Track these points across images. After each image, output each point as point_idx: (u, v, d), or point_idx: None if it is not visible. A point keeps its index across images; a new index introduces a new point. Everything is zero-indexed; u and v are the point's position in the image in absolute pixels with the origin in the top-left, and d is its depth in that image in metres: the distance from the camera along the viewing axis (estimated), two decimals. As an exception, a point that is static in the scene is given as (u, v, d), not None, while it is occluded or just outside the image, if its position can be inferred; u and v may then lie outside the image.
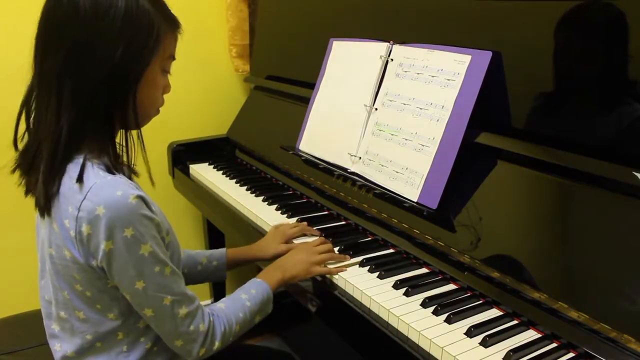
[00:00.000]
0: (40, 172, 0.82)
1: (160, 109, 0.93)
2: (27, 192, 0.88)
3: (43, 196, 0.82)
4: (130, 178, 0.89)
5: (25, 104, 0.85)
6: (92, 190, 0.78)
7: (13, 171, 0.87)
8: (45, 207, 0.83)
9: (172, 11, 0.89)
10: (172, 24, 0.87)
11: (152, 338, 0.91)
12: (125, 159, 0.89)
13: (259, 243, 1.23)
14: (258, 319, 1.00)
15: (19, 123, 0.86)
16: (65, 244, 0.82)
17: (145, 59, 0.82)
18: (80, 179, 0.79)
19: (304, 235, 1.25)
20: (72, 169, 0.81)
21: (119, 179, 0.81)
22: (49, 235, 0.85)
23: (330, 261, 1.12)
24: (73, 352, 0.89)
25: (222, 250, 1.21)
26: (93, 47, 0.78)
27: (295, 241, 1.23)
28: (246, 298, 0.98)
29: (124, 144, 0.88)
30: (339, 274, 1.08)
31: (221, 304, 0.96)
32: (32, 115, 0.84)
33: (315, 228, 1.27)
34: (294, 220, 1.34)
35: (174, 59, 0.90)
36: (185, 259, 1.16)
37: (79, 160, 0.81)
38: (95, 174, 0.80)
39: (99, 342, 0.88)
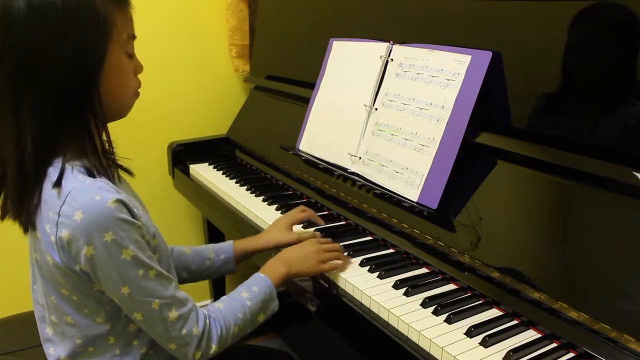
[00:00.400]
0: (9, 196, 0.80)
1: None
2: (2, 216, 0.84)
3: (24, 215, 0.80)
4: (117, 178, 0.87)
5: None
6: (71, 195, 0.77)
7: None
8: (28, 223, 0.81)
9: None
10: (119, 3, 0.82)
11: (147, 342, 0.90)
12: (109, 155, 0.86)
13: (265, 232, 1.22)
14: (262, 318, 0.97)
15: None
16: (47, 249, 0.80)
17: (100, 48, 0.78)
18: (58, 184, 0.78)
19: (311, 223, 1.26)
20: (53, 173, 0.79)
21: (98, 182, 0.79)
22: (33, 241, 0.85)
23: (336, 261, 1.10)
24: (66, 356, 0.88)
25: (228, 243, 1.19)
26: (41, 52, 0.75)
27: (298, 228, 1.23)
28: (247, 297, 0.95)
29: (105, 140, 0.85)
30: (340, 274, 1.08)
31: (220, 303, 0.94)
32: None
33: (315, 228, 1.27)
34: (294, 220, 1.33)
35: (134, 38, 0.86)
36: (192, 255, 1.15)
37: (59, 164, 0.79)
38: (74, 178, 0.78)
39: (90, 347, 0.87)
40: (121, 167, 0.89)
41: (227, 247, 1.18)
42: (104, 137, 0.85)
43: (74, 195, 0.77)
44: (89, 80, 0.78)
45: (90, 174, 0.80)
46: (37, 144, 0.78)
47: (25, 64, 0.75)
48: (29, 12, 0.74)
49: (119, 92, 0.84)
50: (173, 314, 0.84)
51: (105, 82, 0.80)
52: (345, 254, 1.15)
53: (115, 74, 0.82)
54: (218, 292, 2.08)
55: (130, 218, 0.79)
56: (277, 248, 1.17)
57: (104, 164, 0.83)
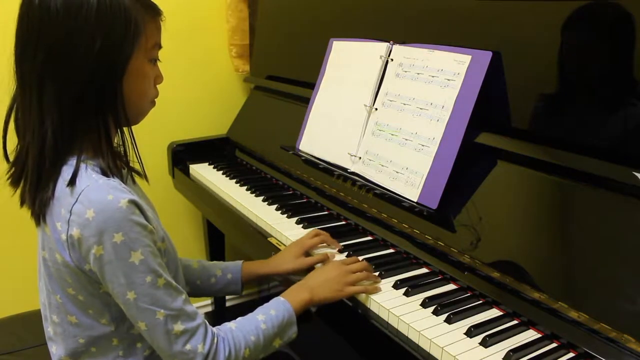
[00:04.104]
0: (28, 181, 0.81)
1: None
2: (22, 203, 0.86)
3: (37, 204, 0.81)
4: (130, 180, 0.88)
5: (10, 113, 0.84)
6: (84, 193, 0.77)
7: (10, 183, 0.86)
8: (40, 214, 0.81)
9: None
10: (152, 12, 0.85)
11: (150, 345, 0.89)
12: (124, 158, 0.88)
13: (276, 257, 1.16)
14: (278, 343, 0.92)
15: (6, 133, 0.85)
16: (57, 247, 0.80)
17: (126, 51, 0.80)
18: (72, 182, 0.78)
19: (325, 245, 1.18)
20: (67, 171, 0.79)
21: (112, 182, 0.79)
22: (42, 237, 0.85)
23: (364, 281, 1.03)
24: (67, 355, 0.88)
25: (237, 263, 1.16)
26: (70, 47, 0.77)
27: (317, 251, 1.17)
28: (262, 319, 0.90)
29: (120, 143, 0.87)
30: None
31: (232, 323, 0.90)
32: (19, 124, 0.83)
33: (315, 228, 1.27)
34: (293, 220, 1.33)
35: (160, 47, 0.88)
36: (199, 269, 1.13)
37: (73, 162, 0.80)
38: (88, 176, 0.79)
39: (93, 347, 0.87)
40: (135, 170, 0.90)
41: (235, 267, 1.15)
42: (117, 141, 0.86)
43: (86, 194, 0.77)
44: (112, 79, 0.80)
45: (104, 174, 0.81)
46: (57, 135, 0.79)
47: (53, 56, 0.77)
48: (65, 8, 0.76)
49: (137, 97, 0.85)
50: (178, 327, 0.81)
51: (125, 85, 0.81)
52: (345, 253, 1.15)
53: (136, 79, 0.83)
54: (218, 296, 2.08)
55: (142, 221, 0.79)
56: (286, 275, 1.13)
57: (118, 164, 0.84)
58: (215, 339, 0.84)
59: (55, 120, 0.78)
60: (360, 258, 1.12)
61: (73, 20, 0.76)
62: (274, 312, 0.93)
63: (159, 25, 0.87)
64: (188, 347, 0.82)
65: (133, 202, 0.78)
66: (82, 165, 0.80)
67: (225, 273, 1.14)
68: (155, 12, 0.86)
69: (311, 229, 1.26)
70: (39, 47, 0.77)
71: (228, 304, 2.16)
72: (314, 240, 1.16)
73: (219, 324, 0.90)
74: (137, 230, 0.78)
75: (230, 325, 0.89)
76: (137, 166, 0.91)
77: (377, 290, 1.01)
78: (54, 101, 0.78)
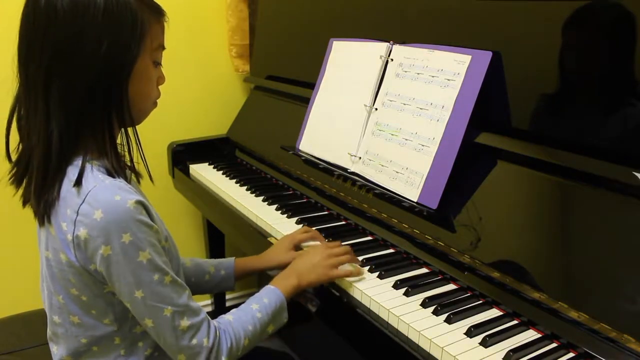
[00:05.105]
0: (33, 181, 0.81)
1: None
2: (24, 203, 0.86)
3: (42, 204, 0.80)
4: (135, 180, 0.88)
5: (13, 113, 0.83)
6: (91, 193, 0.77)
7: (12, 183, 0.86)
8: (44, 214, 0.81)
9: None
10: (157, 13, 0.85)
11: (152, 344, 0.90)
12: (127, 159, 0.88)
13: (267, 252, 1.19)
14: (271, 330, 0.96)
15: (8, 133, 0.85)
16: (62, 247, 0.81)
17: (133, 52, 0.80)
18: (78, 183, 0.78)
19: (314, 240, 1.21)
20: (72, 172, 0.80)
21: (119, 183, 0.80)
22: (46, 238, 0.85)
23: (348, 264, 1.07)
24: (69, 355, 0.89)
25: (230, 260, 1.18)
26: (77, 47, 0.77)
27: (306, 244, 1.20)
28: (257, 308, 0.94)
29: (124, 143, 0.87)
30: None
31: (230, 315, 0.92)
32: (22, 124, 0.83)
33: (315, 228, 1.26)
34: (293, 220, 1.34)
35: (163, 48, 0.88)
36: (193, 267, 1.14)
37: (79, 162, 0.80)
38: (95, 177, 0.79)
39: (95, 347, 0.87)
40: (135, 171, 0.90)
41: (228, 264, 1.17)
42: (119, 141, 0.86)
43: (94, 194, 0.77)
44: (118, 80, 0.80)
45: (110, 174, 0.81)
46: (62, 135, 0.79)
47: (60, 56, 0.77)
48: (71, 7, 0.76)
49: (140, 98, 0.85)
50: (184, 322, 0.83)
51: (130, 86, 0.82)
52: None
53: (139, 80, 0.83)
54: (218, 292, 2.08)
55: (148, 221, 0.80)
56: (279, 268, 1.15)
57: (122, 165, 0.84)
58: (218, 332, 0.87)
59: (61, 121, 0.78)
60: (360, 258, 1.13)
61: (80, 19, 0.76)
62: (267, 300, 0.96)
63: (162, 26, 0.87)
64: (194, 341, 0.84)
65: (140, 203, 0.79)
66: (88, 166, 0.80)
67: (219, 269, 1.17)
68: (160, 14, 0.86)
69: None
70: (45, 47, 0.77)
71: (228, 303, 2.16)
72: (304, 235, 1.20)
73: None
74: (144, 230, 0.79)
75: (228, 317, 0.92)
76: (139, 166, 0.91)
77: (361, 273, 1.05)
78: (60, 101, 0.78)
